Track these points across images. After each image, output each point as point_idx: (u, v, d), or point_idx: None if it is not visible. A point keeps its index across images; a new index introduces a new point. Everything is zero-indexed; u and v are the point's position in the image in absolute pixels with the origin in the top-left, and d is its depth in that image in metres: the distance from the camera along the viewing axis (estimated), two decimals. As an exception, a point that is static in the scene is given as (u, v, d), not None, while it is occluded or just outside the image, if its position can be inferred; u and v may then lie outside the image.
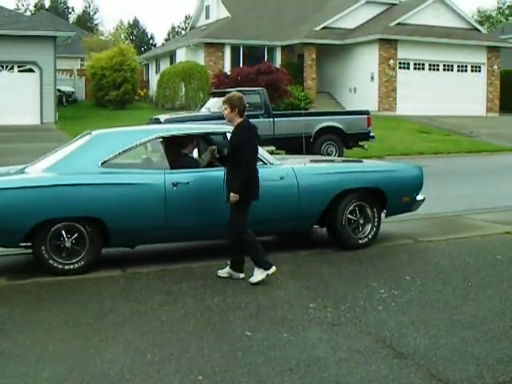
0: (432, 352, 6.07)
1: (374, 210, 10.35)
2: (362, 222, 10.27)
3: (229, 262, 8.66)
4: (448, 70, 45.33)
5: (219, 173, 8.83)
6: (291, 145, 21.53)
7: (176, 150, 9.80)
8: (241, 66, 42.77)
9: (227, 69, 43.51)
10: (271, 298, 7.75)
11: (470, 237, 11.17)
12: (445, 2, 45.35)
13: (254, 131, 8.53)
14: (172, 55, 50.89)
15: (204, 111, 24.68)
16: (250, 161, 8.32)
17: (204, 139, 10.51)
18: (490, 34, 55.64)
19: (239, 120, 8.45)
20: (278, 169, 9.87)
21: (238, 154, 8.25)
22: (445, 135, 34.59)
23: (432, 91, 43.21)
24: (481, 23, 76.41)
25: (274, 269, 8.32)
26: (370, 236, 10.34)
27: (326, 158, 17.53)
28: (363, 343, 6.31)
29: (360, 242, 10.23)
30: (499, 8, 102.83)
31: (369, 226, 10.32)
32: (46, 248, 8.77)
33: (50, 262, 8.80)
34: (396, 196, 10.57)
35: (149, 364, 5.86)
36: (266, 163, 9.74)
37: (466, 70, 46.08)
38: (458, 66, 45.71)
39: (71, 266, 8.90)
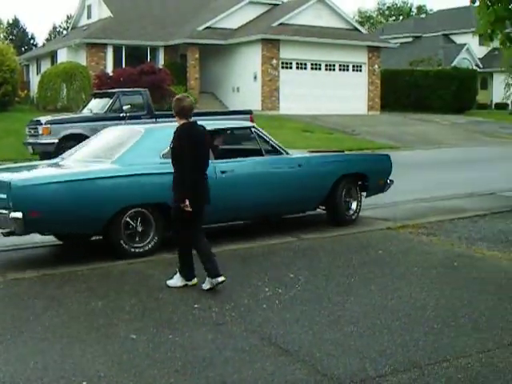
0: (316, 348, 6.16)
1: (357, 190, 12.39)
2: (351, 200, 12.26)
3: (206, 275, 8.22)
4: (330, 69, 45.99)
5: (257, 160, 11.14)
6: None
7: (213, 142, 10.50)
8: (123, 66, 42.36)
9: (110, 69, 42.96)
10: (156, 300, 7.71)
11: (354, 233, 11.43)
12: (326, 3, 45.98)
13: (189, 134, 8.12)
14: (53, 56, 49.93)
15: (86, 112, 24.42)
16: (187, 165, 7.95)
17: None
18: (370, 34, 56.86)
19: (180, 122, 8.20)
20: (295, 157, 11.72)
21: (176, 158, 8.09)
22: (328, 134, 35.15)
23: (315, 90, 43.72)
24: (361, 24, 78.16)
25: (195, 281, 8.27)
26: (357, 212, 12.37)
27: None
28: (248, 342, 6.35)
29: (351, 217, 12.25)
30: (379, 9, 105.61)
31: (355, 203, 12.33)
32: (121, 233, 9.60)
33: (124, 245, 9.66)
34: (375, 179, 12.70)
35: (31, 372, 5.72)
36: (282, 153, 11.49)
37: (347, 70, 46.87)
38: (340, 66, 46.43)
39: (141, 250, 9.80)
